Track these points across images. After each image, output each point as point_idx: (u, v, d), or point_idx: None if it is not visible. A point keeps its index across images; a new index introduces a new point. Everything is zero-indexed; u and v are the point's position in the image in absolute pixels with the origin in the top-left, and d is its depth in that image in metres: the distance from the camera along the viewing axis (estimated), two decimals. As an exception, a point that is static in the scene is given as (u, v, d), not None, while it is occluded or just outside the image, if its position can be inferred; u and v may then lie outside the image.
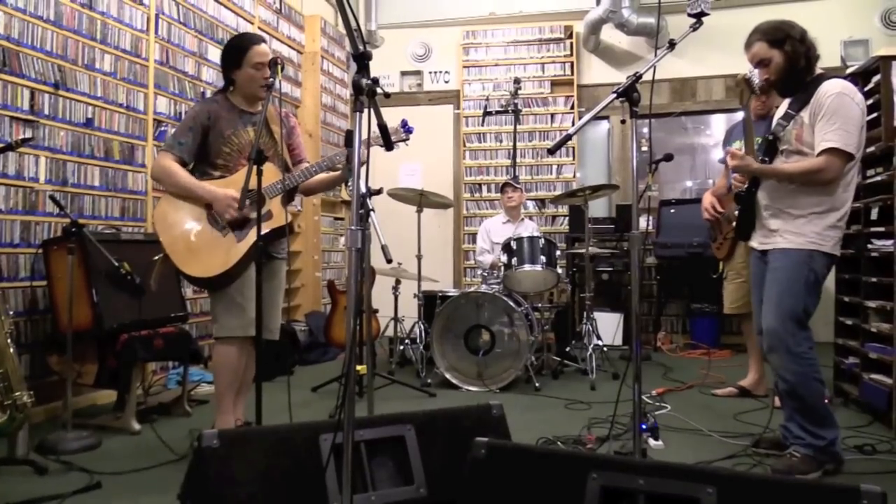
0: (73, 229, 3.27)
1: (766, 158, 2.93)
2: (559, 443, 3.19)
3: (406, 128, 3.03)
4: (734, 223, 4.09)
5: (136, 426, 3.44)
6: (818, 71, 2.87)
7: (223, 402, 2.95)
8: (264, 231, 2.82)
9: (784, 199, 2.84)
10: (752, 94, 2.94)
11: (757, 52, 2.86)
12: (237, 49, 2.96)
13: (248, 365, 2.99)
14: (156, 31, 4.56)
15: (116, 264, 3.43)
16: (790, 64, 2.81)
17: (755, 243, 3.02)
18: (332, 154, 3.00)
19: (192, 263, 2.85)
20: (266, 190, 2.84)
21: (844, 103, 2.71)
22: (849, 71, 4.15)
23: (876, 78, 3.79)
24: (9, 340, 2.76)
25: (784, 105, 2.97)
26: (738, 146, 4.30)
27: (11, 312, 3.40)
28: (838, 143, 2.69)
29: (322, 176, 3.06)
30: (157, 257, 3.00)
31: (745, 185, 3.03)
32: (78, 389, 3.64)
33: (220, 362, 2.95)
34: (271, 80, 2.79)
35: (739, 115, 4.44)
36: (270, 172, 2.88)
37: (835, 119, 2.70)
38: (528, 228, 5.38)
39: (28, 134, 3.57)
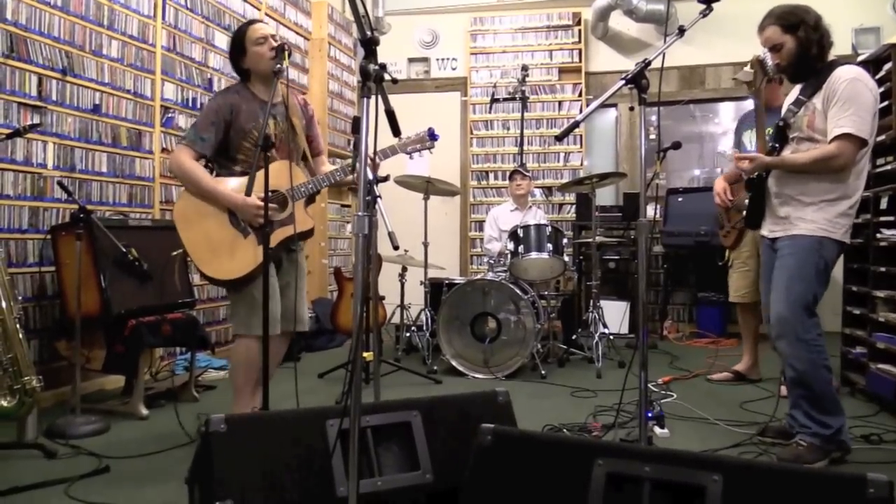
0: (81, 215, 3.28)
1: (777, 145, 2.90)
2: (565, 430, 3.20)
3: (433, 136, 3.02)
4: (743, 212, 4.09)
5: (144, 411, 3.47)
6: (830, 58, 2.83)
7: (241, 397, 2.94)
8: (287, 235, 2.83)
9: (795, 186, 2.81)
10: (765, 77, 2.90)
11: (770, 36, 2.81)
12: (237, 37, 2.96)
13: (274, 354, 2.98)
14: (163, 17, 4.55)
15: (124, 250, 3.45)
16: (802, 50, 2.78)
17: (765, 231, 3.00)
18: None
19: (213, 265, 2.84)
20: (290, 193, 2.85)
21: (858, 89, 2.68)
22: (860, 59, 4.11)
23: (887, 66, 3.76)
24: (17, 326, 2.78)
25: (795, 91, 2.93)
26: (747, 139, 4.30)
27: (20, 298, 3.41)
28: (851, 128, 2.66)
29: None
30: (175, 253, 2.99)
31: (756, 173, 3.00)
32: (86, 375, 3.66)
33: (239, 358, 2.94)
34: (279, 66, 2.78)
35: (746, 104, 4.43)
36: (295, 173, 2.87)
37: (848, 105, 2.67)
38: (536, 216, 5.38)
39: (36, 120, 3.57)
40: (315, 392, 4.03)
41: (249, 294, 2.85)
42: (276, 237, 2.83)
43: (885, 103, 3.68)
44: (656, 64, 2.32)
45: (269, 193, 2.66)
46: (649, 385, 2.76)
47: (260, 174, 2.62)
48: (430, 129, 3.03)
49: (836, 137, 2.68)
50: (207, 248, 2.84)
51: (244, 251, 2.83)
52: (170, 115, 4.59)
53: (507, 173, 5.89)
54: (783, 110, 2.96)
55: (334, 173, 2.96)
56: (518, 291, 4.45)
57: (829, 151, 2.70)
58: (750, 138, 4.27)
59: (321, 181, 2.94)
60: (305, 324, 3.07)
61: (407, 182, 4.95)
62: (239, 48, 2.95)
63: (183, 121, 4.67)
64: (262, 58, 2.90)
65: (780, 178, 2.88)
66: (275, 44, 2.88)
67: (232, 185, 2.86)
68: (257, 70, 2.95)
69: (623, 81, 2.29)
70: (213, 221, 2.85)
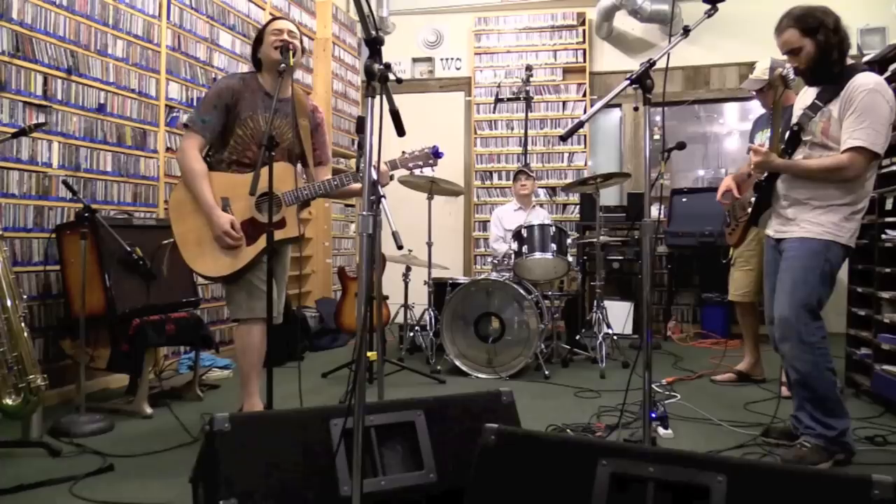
0: (86, 214, 3.29)
1: (789, 149, 2.88)
2: (569, 430, 3.20)
3: (437, 154, 3.03)
4: (748, 210, 4.09)
5: (148, 410, 3.47)
6: (848, 62, 2.80)
7: (250, 384, 2.93)
8: (276, 239, 2.84)
9: (804, 189, 2.79)
10: (787, 90, 2.87)
11: (788, 39, 2.76)
12: (260, 30, 3.05)
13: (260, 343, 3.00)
14: (168, 17, 4.56)
15: (129, 249, 3.45)
16: (822, 54, 2.72)
17: (770, 231, 2.98)
18: (355, 172, 3.01)
19: (200, 260, 2.88)
20: (283, 198, 2.87)
21: (876, 101, 2.64)
22: (865, 59, 4.10)
23: (893, 66, 3.75)
24: (23, 324, 2.78)
25: (811, 94, 2.87)
26: (759, 140, 4.28)
27: (25, 296, 3.41)
28: (865, 142, 2.63)
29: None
30: (165, 242, 3.01)
31: (765, 175, 2.98)
32: (91, 373, 3.67)
33: (243, 344, 2.94)
34: (283, 65, 2.79)
35: (751, 104, 4.42)
36: (290, 177, 2.89)
37: (864, 117, 2.63)
38: (540, 216, 5.38)
39: (41, 119, 3.58)
40: (319, 392, 4.03)
41: (248, 281, 2.88)
42: (263, 241, 2.83)
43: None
44: (661, 64, 2.31)
45: (262, 196, 2.69)
46: (653, 386, 2.76)
47: (262, 174, 2.63)
48: (434, 147, 3.04)
49: (849, 149, 2.65)
50: (196, 243, 2.87)
51: (231, 250, 2.86)
52: (174, 114, 4.60)
53: (512, 173, 5.89)
54: (796, 112, 2.93)
55: (330, 182, 2.96)
56: (522, 291, 4.45)
57: (840, 162, 2.67)
58: (761, 139, 4.27)
59: (317, 188, 2.95)
60: (277, 317, 3.07)
61: (411, 182, 4.95)
62: (258, 39, 3.03)
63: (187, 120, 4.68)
64: (270, 47, 2.95)
65: (790, 181, 2.85)
66: (288, 39, 2.92)
67: (220, 182, 2.90)
68: (266, 59, 3.00)
69: (627, 81, 2.28)
70: (204, 217, 2.88)
